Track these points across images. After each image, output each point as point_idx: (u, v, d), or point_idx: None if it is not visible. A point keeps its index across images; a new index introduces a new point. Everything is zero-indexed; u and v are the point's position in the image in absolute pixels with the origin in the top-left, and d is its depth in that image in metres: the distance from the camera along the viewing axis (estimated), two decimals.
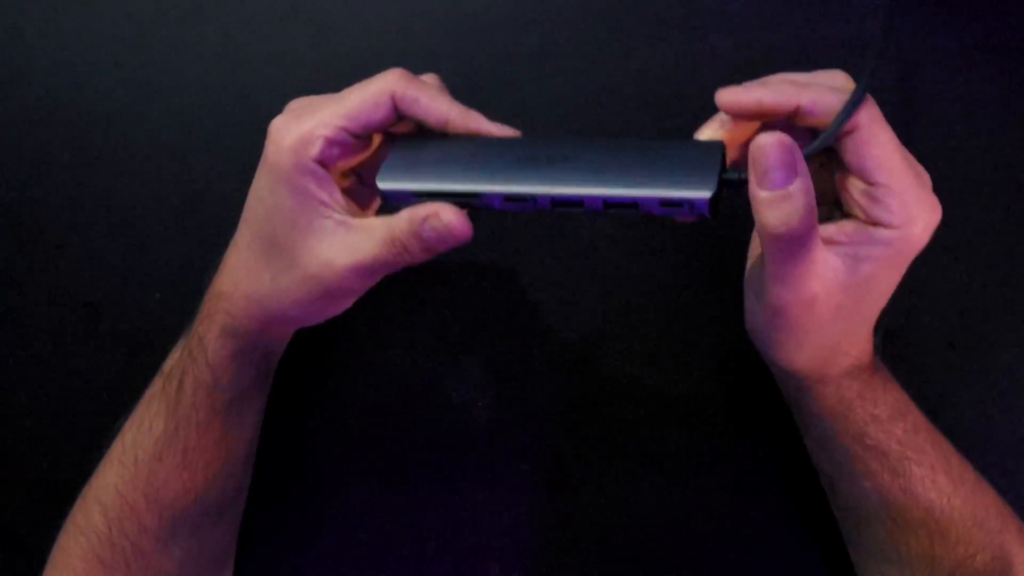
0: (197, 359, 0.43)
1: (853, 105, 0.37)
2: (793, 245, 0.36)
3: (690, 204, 0.37)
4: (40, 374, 0.53)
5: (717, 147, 0.38)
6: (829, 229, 0.39)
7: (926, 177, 0.39)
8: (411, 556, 0.51)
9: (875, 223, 0.37)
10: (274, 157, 0.40)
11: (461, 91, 0.54)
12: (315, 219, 0.40)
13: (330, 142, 0.40)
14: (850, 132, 0.37)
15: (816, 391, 0.42)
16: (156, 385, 0.45)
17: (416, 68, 0.55)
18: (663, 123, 0.53)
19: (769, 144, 0.35)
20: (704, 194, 0.36)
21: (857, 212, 0.38)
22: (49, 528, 0.48)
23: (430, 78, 0.43)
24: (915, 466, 0.42)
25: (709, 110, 0.54)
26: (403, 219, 0.39)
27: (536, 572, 0.51)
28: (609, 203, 0.38)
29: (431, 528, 0.51)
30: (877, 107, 0.38)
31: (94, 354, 0.53)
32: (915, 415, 0.43)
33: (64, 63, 0.55)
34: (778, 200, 0.35)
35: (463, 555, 0.51)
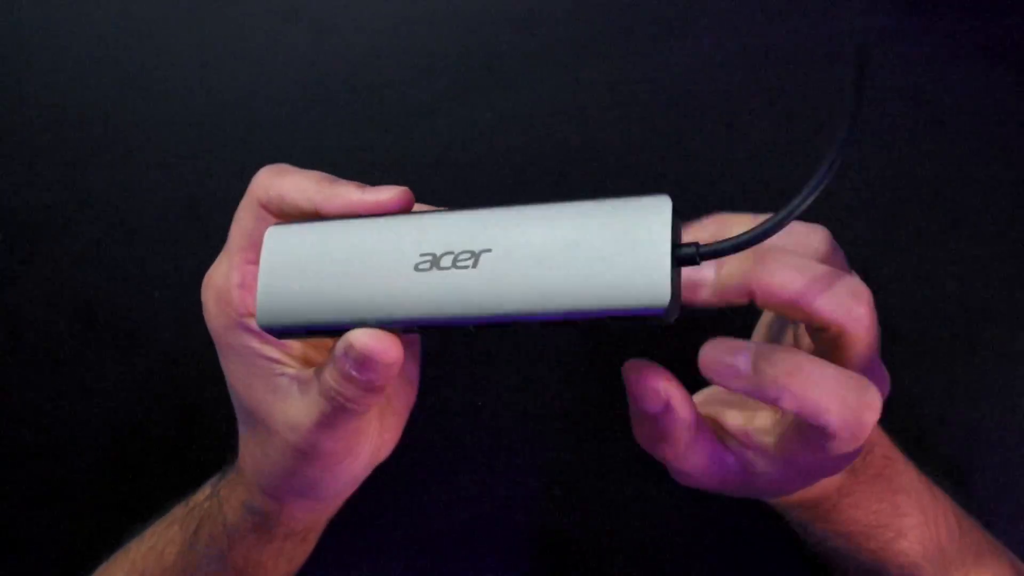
0: (217, 520, 0.40)
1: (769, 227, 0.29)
2: (674, 452, 0.34)
3: (643, 315, 0.29)
4: (39, 374, 0.53)
5: (662, 215, 0.29)
6: (736, 419, 0.35)
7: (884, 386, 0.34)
8: (411, 556, 0.51)
9: (779, 447, 0.33)
10: (208, 324, 0.36)
11: (461, 91, 0.54)
12: (269, 380, 0.35)
13: (246, 285, 0.35)
14: (823, 329, 0.31)
15: (776, 504, 0.40)
16: (179, 511, 0.43)
17: (416, 68, 0.55)
18: (663, 123, 0.53)
19: (632, 381, 0.33)
20: (656, 302, 0.28)
21: (775, 411, 0.34)
22: (49, 528, 0.48)
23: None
24: (892, 568, 0.40)
25: (709, 110, 0.54)
26: (329, 362, 0.33)
27: (536, 572, 0.51)
28: (545, 323, 0.30)
29: (431, 528, 0.51)
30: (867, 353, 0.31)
31: (93, 354, 0.53)
32: (905, 519, 0.40)
33: (64, 63, 0.55)
34: (648, 421, 0.33)
35: (463, 555, 0.51)
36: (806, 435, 0.31)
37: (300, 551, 0.43)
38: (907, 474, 0.41)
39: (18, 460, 0.53)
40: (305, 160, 0.55)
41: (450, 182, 0.53)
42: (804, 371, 0.29)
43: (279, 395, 0.35)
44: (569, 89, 0.54)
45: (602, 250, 0.29)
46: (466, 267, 0.30)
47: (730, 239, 0.29)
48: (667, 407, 0.33)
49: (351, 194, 0.33)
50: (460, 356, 0.52)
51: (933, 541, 0.40)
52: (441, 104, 0.54)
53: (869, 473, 0.39)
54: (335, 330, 0.32)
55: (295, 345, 0.36)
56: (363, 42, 0.55)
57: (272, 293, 0.32)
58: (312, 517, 0.42)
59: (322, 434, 0.34)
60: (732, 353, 0.30)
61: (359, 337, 0.31)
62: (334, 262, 0.32)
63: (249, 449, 0.38)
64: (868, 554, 0.40)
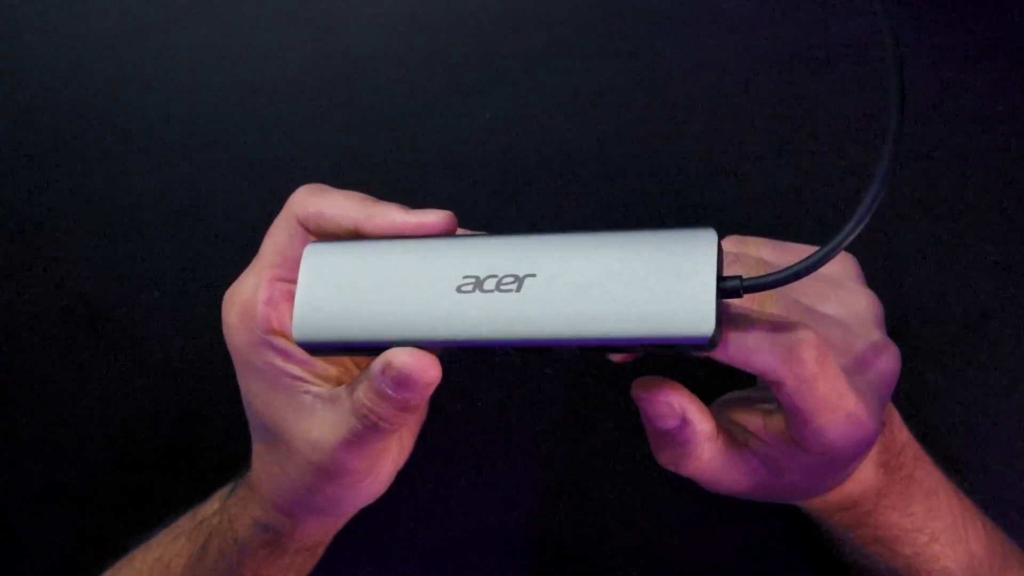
0: (226, 536, 0.40)
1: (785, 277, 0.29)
2: (694, 464, 0.34)
3: (686, 344, 0.29)
4: (40, 374, 0.53)
5: (709, 248, 0.29)
6: (755, 420, 0.35)
7: (878, 382, 0.34)
8: (411, 556, 0.51)
9: (792, 438, 0.33)
10: (228, 339, 0.36)
11: (461, 91, 0.54)
12: (292, 397, 0.35)
13: (272, 302, 0.35)
14: (776, 384, 0.31)
15: (809, 511, 0.40)
16: (186, 523, 0.42)
17: (416, 68, 0.55)
18: (663, 123, 0.53)
19: (646, 400, 0.33)
20: (700, 332, 0.28)
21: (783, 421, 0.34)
22: (49, 528, 0.48)
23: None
24: (925, 575, 0.40)
25: (710, 110, 0.54)
26: (363, 380, 0.32)
27: (536, 572, 0.51)
28: (586, 348, 0.30)
29: (431, 528, 0.51)
30: (810, 362, 0.31)
31: (93, 354, 0.53)
32: (938, 523, 0.40)
33: (64, 62, 0.55)
34: (667, 437, 0.33)
35: (463, 555, 0.51)
36: (778, 398, 0.32)
37: (308, 563, 0.43)
38: (936, 476, 0.41)
39: (18, 460, 0.53)
40: (305, 160, 0.56)
41: (450, 182, 0.53)
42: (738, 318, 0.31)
43: (303, 413, 0.34)
44: (569, 89, 0.54)
45: (647, 279, 0.29)
46: (510, 291, 0.30)
47: (775, 273, 0.29)
48: (684, 421, 0.33)
49: (394, 215, 0.32)
50: (461, 357, 0.52)
51: (963, 545, 0.40)
52: (441, 104, 0.54)
53: (902, 474, 0.39)
54: (373, 348, 0.31)
55: (319, 364, 0.35)
56: (363, 42, 0.55)
57: (310, 309, 0.32)
58: (324, 532, 0.41)
59: (348, 453, 0.34)
60: None
61: (399, 356, 0.31)
62: (375, 281, 0.31)
63: (266, 466, 0.38)
64: (903, 560, 0.40)
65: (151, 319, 0.53)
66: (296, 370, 0.35)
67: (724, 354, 0.31)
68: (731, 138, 0.53)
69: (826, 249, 0.29)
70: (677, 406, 0.32)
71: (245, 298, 0.35)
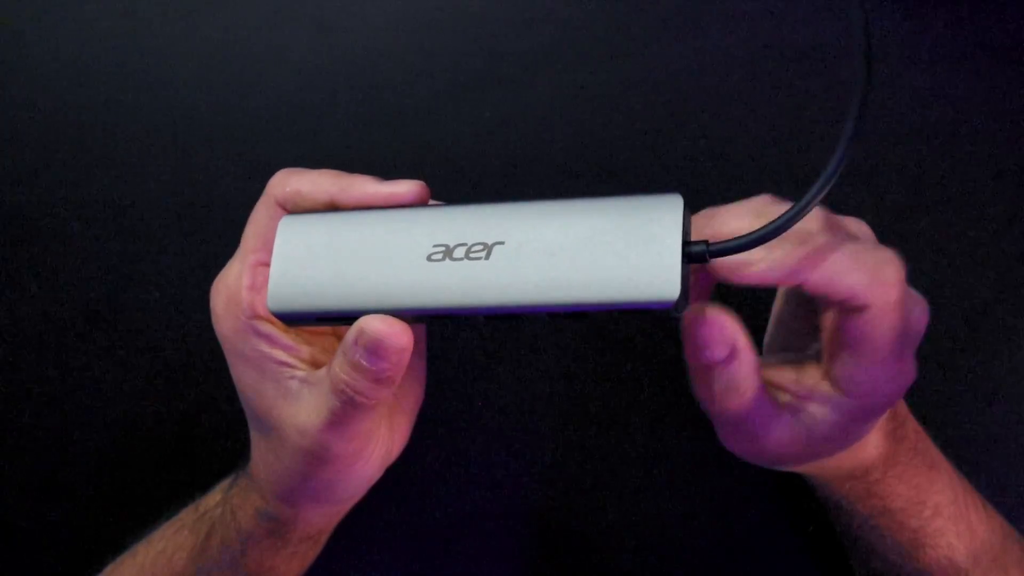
0: (229, 526, 0.40)
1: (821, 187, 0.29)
2: (727, 410, 0.34)
3: (652, 308, 0.29)
4: (40, 374, 0.53)
5: (674, 212, 0.30)
6: (787, 375, 0.35)
7: (921, 331, 0.34)
8: (410, 556, 0.51)
9: (835, 384, 0.33)
10: (216, 328, 0.36)
11: (461, 91, 0.54)
12: (279, 383, 0.35)
13: (256, 287, 0.35)
14: (858, 310, 0.31)
15: (816, 484, 0.40)
16: (188, 516, 0.42)
17: (416, 68, 0.55)
18: (663, 123, 0.53)
19: (698, 324, 0.32)
20: (666, 296, 0.29)
21: (823, 354, 0.34)
22: (49, 527, 0.48)
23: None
24: (930, 549, 0.40)
25: (710, 110, 0.54)
26: (338, 354, 0.32)
27: (537, 571, 0.51)
28: (554, 314, 0.30)
29: (430, 528, 0.51)
30: (898, 284, 0.31)
31: (94, 354, 0.53)
32: (940, 496, 0.40)
33: (63, 62, 0.55)
34: (709, 371, 0.33)
35: (463, 555, 0.51)
36: (846, 330, 0.31)
37: (312, 552, 0.43)
38: (936, 452, 0.41)
39: (17, 460, 0.53)
40: (305, 160, 0.55)
41: (450, 182, 0.53)
42: (815, 242, 0.30)
43: (289, 399, 0.35)
44: (569, 89, 0.54)
45: (614, 245, 0.29)
46: (479, 258, 0.30)
47: (742, 237, 0.29)
48: (733, 351, 0.32)
49: (367, 186, 0.33)
50: (460, 356, 0.52)
51: (965, 522, 0.41)
52: (441, 104, 0.54)
53: (907, 445, 0.39)
54: (345, 317, 0.32)
55: (304, 349, 0.35)
56: (363, 42, 0.55)
57: (284, 279, 0.32)
58: (326, 520, 0.42)
59: (332, 435, 0.34)
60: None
61: (371, 323, 0.31)
62: (347, 251, 0.32)
63: (262, 455, 0.38)
64: (909, 534, 0.40)
65: (151, 319, 0.53)
66: (282, 355, 0.35)
67: (809, 280, 0.30)
68: (731, 138, 0.53)
69: (797, 208, 0.29)
70: (729, 333, 0.32)
71: (229, 284, 0.35)
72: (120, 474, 0.52)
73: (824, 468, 0.38)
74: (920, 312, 0.33)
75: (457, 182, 0.53)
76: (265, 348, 0.35)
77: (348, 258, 0.32)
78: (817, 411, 0.34)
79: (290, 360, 0.35)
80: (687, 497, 0.51)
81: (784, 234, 0.29)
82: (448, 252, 0.31)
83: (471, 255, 0.31)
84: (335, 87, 0.55)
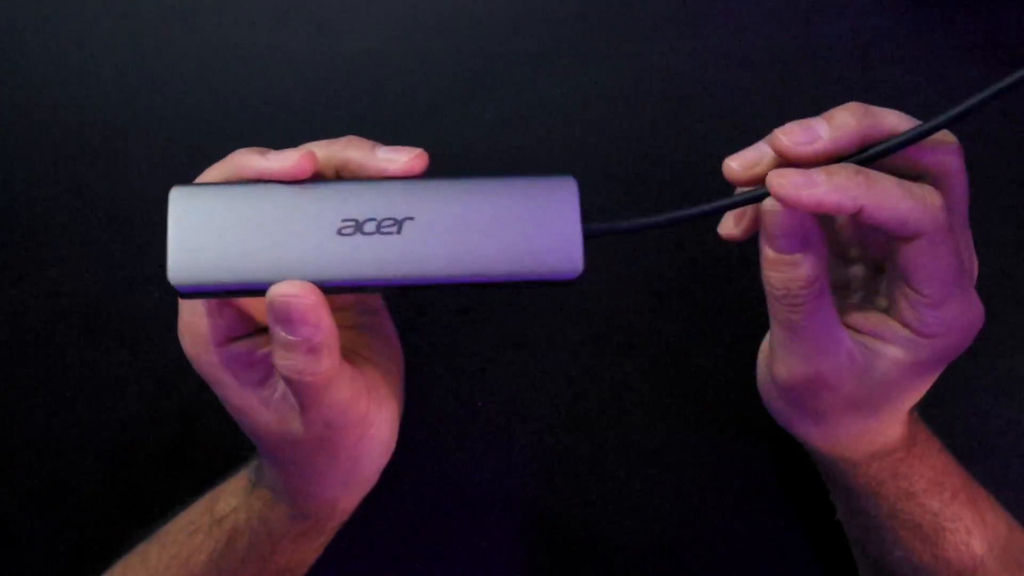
0: (258, 531, 0.40)
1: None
2: (794, 311, 0.34)
3: (556, 281, 0.32)
4: (40, 374, 0.53)
5: (571, 193, 0.33)
6: (855, 317, 0.36)
7: (974, 273, 0.36)
8: (410, 556, 0.51)
9: (905, 325, 0.34)
10: (196, 366, 0.36)
11: (461, 91, 0.54)
12: (268, 402, 0.35)
13: (213, 312, 0.34)
14: (910, 239, 0.32)
15: (844, 469, 0.40)
16: (202, 520, 0.42)
17: (416, 68, 0.55)
18: (663, 123, 0.53)
19: (778, 212, 0.33)
20: (570, 269, 0.32)
21: (888, 303, 0.35)
22: (50, 528, 0.48)
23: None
24: (949, 534, 0.40)
25: (710, 110, 0.54)
26: (271, 343, 0.32)
27: (537, 571, 0.51)
28: (463, 286, 0.32)
29: (430, 528, 0.51)
30: (965, 198, 0.34)
31: (93, 354, 0.53)
32: (953, 479, 0.41)
33: (63, 63, 0.55)
34: (782, 264, 0.33)
35: (462, 555, 0.51)
36: (905, 262, 0.32)
37: (334, 534, 0.43)
38: (937, 439, 0.42)
39: (17, 460, 0.53)
40: None
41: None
42: (866, 174, 0.32)
43: (281, 413, 0.35)
44: (569, 89, 0.54)
45: (519, 222, 0.32)
46: (390, 233, 0.31)
47: (637, 221, 0.33)
48: (807, 243, 0.33)
49: (254, 162, 0.33)
50: (460, 356, 0.52)
51: (976, 506, 0.41)
52: (441, 104, 0.54)
53: (922, 426, 0.40)
54: (253, 289, 0.32)
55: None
56: (363, 42, 0.55)
57: (185, 251, 0.31)
58: (358, 500, 0.42)
59: (318, 425, 0.34)
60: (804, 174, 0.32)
61: (274, 290, 0.31)
62: (252, 223, 0.32)
63: (280, 477, 0.38)
64: (930, 517, 0.40)
65: (151, 319, 0.53)
66: (257, 375, 0.35)
67: (867, 206, 0.31)
68: (731, 138, 0.53)
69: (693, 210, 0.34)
70: (806, 224, 0.33)
71: (188, 320, 0.35)
72: (120, 474, 0.52)
73: (857, 450, 0.39)
74: (975, 267, 0.35)
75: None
76: (240, 370, 0.35)
77: (253, 230, 0.32)
78: (887, 349, 0.34)
79: (267, 375, 0.35)
80: (687, 497, 0.51)
81: (832, 166, 0.32)
82: (359, 227, 0.32)
83: (382, 230, 0.32)
84: (335, 87, 0.55)
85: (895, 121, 0.33)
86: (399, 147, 0.33)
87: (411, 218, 0.32)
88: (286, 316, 0.31)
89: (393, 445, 0.39)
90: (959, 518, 0.40)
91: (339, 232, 0.31)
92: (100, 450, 0.51)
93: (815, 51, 0.53)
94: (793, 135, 0.33)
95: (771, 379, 0.38)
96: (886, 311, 0.35)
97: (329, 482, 0.38)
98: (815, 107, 0.53)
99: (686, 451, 0.51)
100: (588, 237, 0.33)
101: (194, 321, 0.35)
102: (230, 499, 0.42)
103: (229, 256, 0.31)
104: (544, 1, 0.54)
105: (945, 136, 0.33)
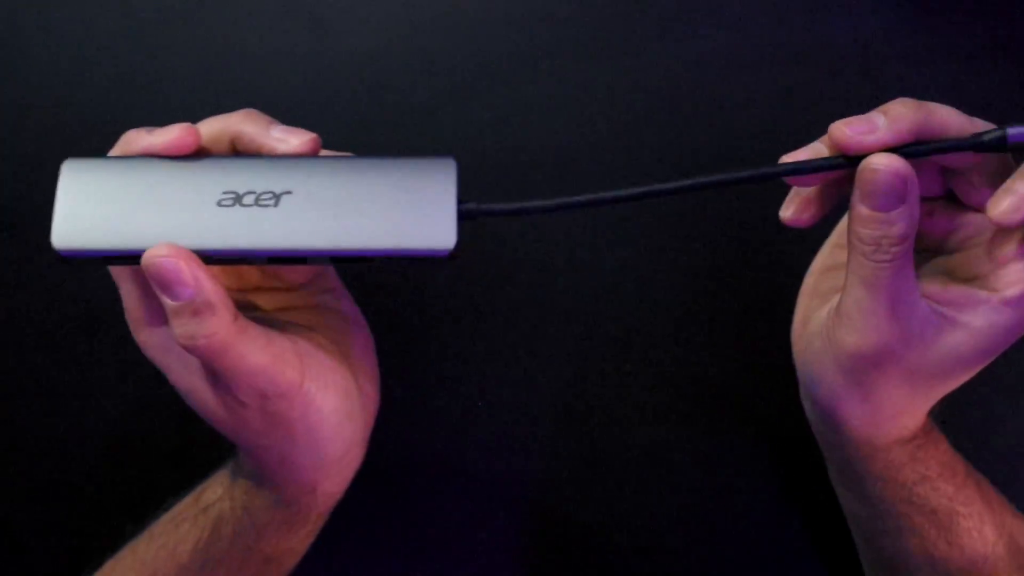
0: (241, 520, 0.40)
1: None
2: (881, 267, 0.34)
3: (429, 256, 0.33)
4: (40, 374, 0.53)
5: (449, 173, 0.34)
6: (932, 287, 0.36)
7: None
8: (410, 556, 0.51)
9: (991, 290, 0.34)
10: (150, 358, 0.37)
11: (461, 91, 0.54)
12: (206, 382, 0.36)
13: (142, 291, 0.35)
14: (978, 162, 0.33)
15: (867, 455, 0.40)
16: (188, 510, 0.42)
17: (416, 68, 0.55)
18: (664, 123, 0.53)
19: (883, 169, 0.33)
20: (443, 245, 0.33)
21: (969, 271, 0.35)
22: (49, 528, 0.48)
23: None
24: (962, 519, 0.40)
25: (709, 110, 0.54)
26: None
27: (537, 571, 0.51)
28: (335, 259, 0.33)
29: (430, 528, 0.51)
30: None
31: (93, 354, 0.53)
32: (960, 464, 0.41)
33: (63, 62, 0.55)
34: (877, 221, 0.33)
35: (463, 555, 0.51)
36: (976, 185, 0.34)
37: (322, 522, 0.43)
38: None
39: (17, 460, 0.53)
40: None
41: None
42: (919, 103, 0.33)
43: (216, 392, 0.35)
44: (569, 89, 0.54)
45: (398, 199, 0.33)
46: (268, 205, 0.33)
47: (511, 204, 0.34)
48: (902, 198, 0.33)
49: (141, 139, 0.34)
50: (460, 356, 0.52)
51: (984, 490, 0.41)
52: (441, 104, 0.54)
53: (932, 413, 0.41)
54: (130, 256, 0.32)
55: None
56: (363, 42, 0.55)
57: (70, 218, 0.33)
58: (341, 487, 0.41)
59: (251, 395, 0.34)
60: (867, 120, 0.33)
61: (146, 254, 0.31)
62: (135, 194, 0.33)
63: (256, 462, 0.38)
64: (945, 501, 0.40)
65: None
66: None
67: (931, 131, 0.33)
68: (731, 138, 0.53)
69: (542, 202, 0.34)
70: (908, 182, 0.33)
71: (127, 307, 0.36)
72: (119, 474, 0.52)
73: (889, 433, 0.39)
74: None
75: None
76: (182, 356, 0.35)
77: (136, 200, 0.33)
78: (965, 317, 0.35)
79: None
80: (687, 497, 0.51)
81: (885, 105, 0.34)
82: (238, 199, 0.33)
83: (260, 202, 0.33)
84: (335, 87, 0.55)
85: (946, 115, 0.34)
86: (295, 129, 0.34)
87: (289, 192, 0.33)
88: (161, 279, 0.32)
89: (361, 423, 0.39)
90: (971, 502, 0.40)
91: (218, 204, 0.33)
92: (99, 449, 0.51)
93: (817, 51, 0.53)
94: (853, 125, 0.33)
95: (833, 350, 0.37)
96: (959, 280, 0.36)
97: (298, 463, 0.38)
98: (817, 107, 0.53)
99: (686, 451, 0.51)
100: (465, 217, 0.33)
101: (130, 305, 0.36)
102: (216, 489, 0.42)
103: (110, 224, 0.33)
104: (544, 1, 0.54)
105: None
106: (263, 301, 0.38)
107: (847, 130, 0.33)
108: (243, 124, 0.34)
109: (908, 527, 0.41)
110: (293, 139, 0.34)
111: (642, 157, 0.53)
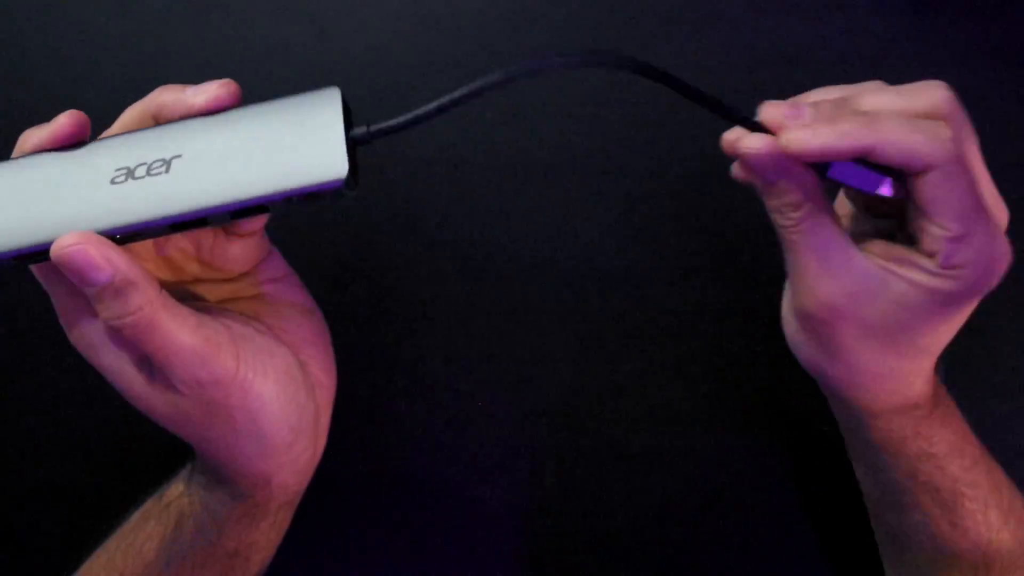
0: (201, 515, 0.40)
1: None
2: (794, 230, 0.35)
3: (326, 190, 0.32)
4: (40, 374, 0.53)
5: (334, 102, 0.33)
6: (877, 247, 0.36)
7: (1004, 216, 0.36)
8: (411, 556, 0.51)
9: (929, 255, 0.35)
10: (92, 362, 0.37)
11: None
12: (142, 379, 0.35)
13: (58, 291, 0.35)
14: (924, 172, 0.33)
15: (868, 423, 0.40)
16: (153, 507, 0.42)
17: (416, 68, 0.55)
18: (664, 122, 0.53)
19: (752, 154, 0.35)
20: (336, 175, 0.32)
21: (913, 239, 0.36)
22: (49, 528, 0.48)
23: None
24: (967, 501, 0.41)
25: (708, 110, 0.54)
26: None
27: (536, 571, 0.51)
28: (235, 212, 0.32)
29: (431, 528, 0.51)
30: (970, 138, 0.35)
31: None
32: (973, 448, 0.41)
33: (64, 63, 0.55)
34: (770, 191, 0.36)
35: (463, 555, 0.51)
36: (921, 197, 0.33)
37: (287, 517, 0.43)
38: (958, 410, 0.43)
39: (17, 460, 0.53)
40: None
41: (450, 182, 0.53)
42: (869, 115, 0.33)
43: (153, 388, 0.35)
44: (569, 89, 0.54)
45: (284, 139, 0.32)
46: (159, 173, 0.32)
47: (399, 119, 0.33)
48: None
49: (32, 137, 0.34)
50: (460, 356, 0.52)
51: (994, 477, 0.41)
52: None
53: (944, 391, 0.41)
54: (35, 251, 0.32)
55: None
56: (363, 42, 0.55)
57: None
58: (298, 478, 0.41)
59: (187, 382, 0.34)
60: (793, 106, 0.34)
61: (53, 250, 0.31)
62: (31, 189, 0.33)
63: (206, 456, 0.38)
64: (950, 481, 0.40)
65: None
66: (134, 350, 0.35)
67: (877, 145, 0.32)
68: None
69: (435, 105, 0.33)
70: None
71: (58, 311, 0.35)
72: (118, 475, 0.52)
73: (878, 397, 0.39)
74: (990, 191, 0.36)
75: (457, 182, 0.53)
76: (112, 353, 0.35)
77: (33, 194, 0.33)
78: (907, 272, 0.35)
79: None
80: (688, 496, 0.51)
81: (840, 111, 0.34)
82: (130, 173, 0.32)
83: (152, 172, 0.32)
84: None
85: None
86: (208, 82, 0.34)
87: (179, 156, 0.32)
88: (74, 268, 0.31)
89: (310, 411, 0.39)
90: (977, 486, 0.41)
91: (111, 182, 0.32)
92: (99, 450, 0.51)
93: (817, 51, 0.53)
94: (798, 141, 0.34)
95: (793, 318, 0.39)
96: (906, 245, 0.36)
97: (245, 454, 0.37)
98: None
99: (686, 450, 0.51)
100: (355, 142, 0.33)
101: (59, 307, 0.35)
102: (178, 486, 0.42)
103: (11, 223, 0.32)
104: (544, 1, 0.54)
105: (936, 129, 0.34)
106: (204, 292, 0.38)
107: (793, 136, 0.34)
108: (160, 96, 0.34)
109: (912, 504, 0.41)
110: (210, 87, 0.34)
111: (642, 157, 0.53)
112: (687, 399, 0.52)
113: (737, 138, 0.35)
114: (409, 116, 0.33)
